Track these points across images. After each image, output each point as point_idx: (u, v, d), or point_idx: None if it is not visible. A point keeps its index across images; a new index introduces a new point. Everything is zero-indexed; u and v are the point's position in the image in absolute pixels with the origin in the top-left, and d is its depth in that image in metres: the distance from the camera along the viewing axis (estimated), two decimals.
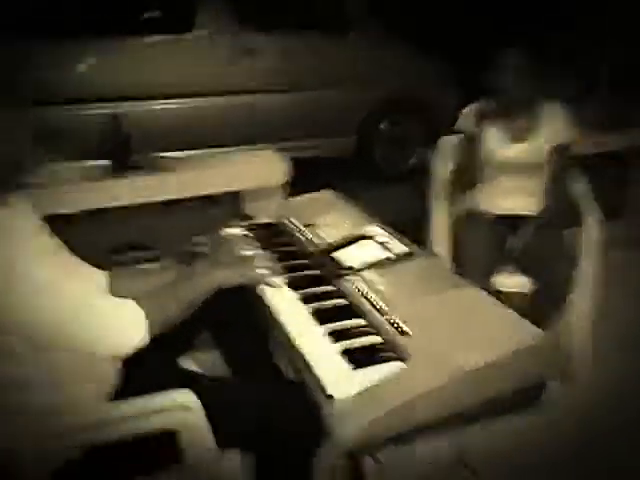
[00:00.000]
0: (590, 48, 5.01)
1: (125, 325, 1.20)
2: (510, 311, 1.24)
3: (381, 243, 1.61)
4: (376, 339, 1.25)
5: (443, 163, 2.65)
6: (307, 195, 2.09)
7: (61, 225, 2.67)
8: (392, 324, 1.24)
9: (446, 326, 1.20)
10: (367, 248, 1.60)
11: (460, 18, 6.09)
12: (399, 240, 1.62)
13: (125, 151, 2.71)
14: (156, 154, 2.82)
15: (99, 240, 2.71)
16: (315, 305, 1.40)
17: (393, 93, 4.73)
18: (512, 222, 2.39)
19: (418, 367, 1.12)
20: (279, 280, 1.49)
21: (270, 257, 1.57)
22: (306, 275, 1.57)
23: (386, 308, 1.30)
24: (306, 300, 1.43)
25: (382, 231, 1.68)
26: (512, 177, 2.38)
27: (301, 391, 1.21)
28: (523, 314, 2.27)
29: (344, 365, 1.17)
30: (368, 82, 4.57)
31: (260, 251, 1.66)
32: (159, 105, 4.13)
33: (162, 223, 2.81)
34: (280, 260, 1.62)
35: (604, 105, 3.79)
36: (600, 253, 2.23)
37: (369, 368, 1.15)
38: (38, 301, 1.12)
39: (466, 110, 2.41)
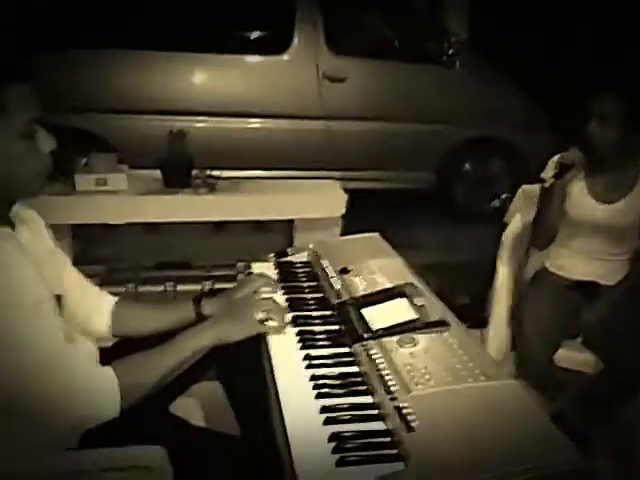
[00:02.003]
0: None
1: (95, 398, 1.11)
2: (549, 424, 0.98)
3: (415, 305, 1.39)
4: (377, 427, 1.04)
5: (519, 213, 2.40)
6: (351, 237, 1.90)
7: (107, 235, 2.67)
8: (400, 412, 1.02)
9: (460, 430, 0.97)
10: (398, 309, 1.39)
11: (560, 61, 5.72)
12: (436, 304, 1.39)
13: (185, 167, 2.66)
14: (217, 173, 2.74)
15: (144, 254, 2.66)
16: (319, 372, 1.21)
17: (483, 131, 4.46)
18: (588, 291, 2.09)
19: (414, 474, 0.90)
20: (289, 333, 1.34)
21: (287, 305, 1.44)
22: (321, 331, 1.38)
23: (397, 389, 1.08)
24: (311, 364, 1.24)
25: (421, 290, 1.46)
26: (596, 240, 2.08)
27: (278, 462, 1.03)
28: (584, 398, 2.01)
29: (328, 457, 0.96)
30: (458, 117, 4.34)
31: (280, 296, 1.51)
32: (234, 124, 4.10)
33: (210, 245, 2.72)
34: (298, 309, 1.46)
35: None
36: None
37: (358, 467, 0.94)
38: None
39: (553, 159, 2.13)
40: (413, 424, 0.98)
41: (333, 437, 1.00)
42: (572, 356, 1.94)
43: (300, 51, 4.15)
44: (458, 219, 4.50)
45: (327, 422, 1.05)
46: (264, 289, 1.51)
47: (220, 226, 2.72)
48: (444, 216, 4.57)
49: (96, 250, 2.58)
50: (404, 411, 1.02)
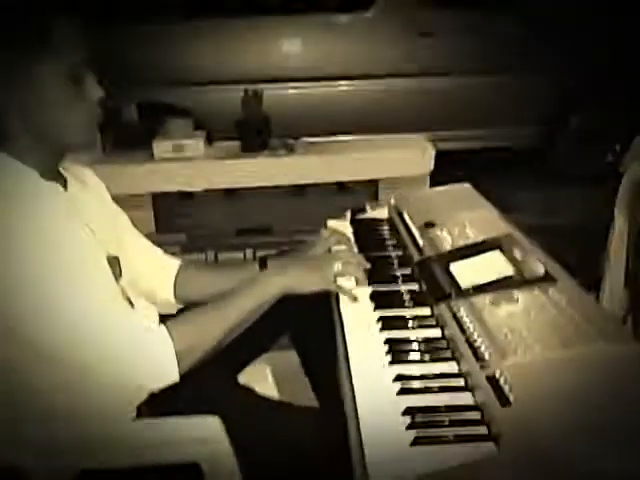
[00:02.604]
0: None
1: (151, 362, 1.01)
2: None
3: (513, 259, 1.17)
4: (463, 400, 0.85)
5: (637, 164, 2.07)
6: (436, 189, 1.69)
7: (186, 203, 2.61)
8: (492, 383, 0.83)
9: (571, 406, 0.76)
10: (492, 264, 1.18)
11: None
12: (539, 258, 1.16)
13: (261, 128, 2.54)
14: (300, 139, 2.61)
15: (226, 221, 2.58)
16: (395, 334, 1.04)
17: (588, 78, 3.99)
18: None
19: (507, 458, 0.71)
20: (362, 292, 1.17)
21: (362, 261, 1.26)
22: (399, 290, 1.20)
23: (490, 356, 0.89)
24: (386, 325, 1.07)
25: (520, 243, 1.23)
26: None
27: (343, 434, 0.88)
28: None
29: (401, 434, 0.79)
30: (559, 66, 3.92)
31: (353, 252, 1.34)
32: (321, 87, 3.93)
33: (291, 209, 2.60)
34: (374, 267, 1.28)
35: None
36: None
37: (437, 447, 0.76)
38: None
39: None
40: (509, 397, 0.79)
41: (408, 411, 0.83)
42: None
43: (386, 6, 3.89)
44: (562, 179, 4.09)
45: (402, 392, 0.88)
46: (337, 247, 1.34)
47: (301, 189, 2.58)
48: (547, 176, 4.17)
49: (176, 219, 2.53)
50: (499, 382, 0.82)
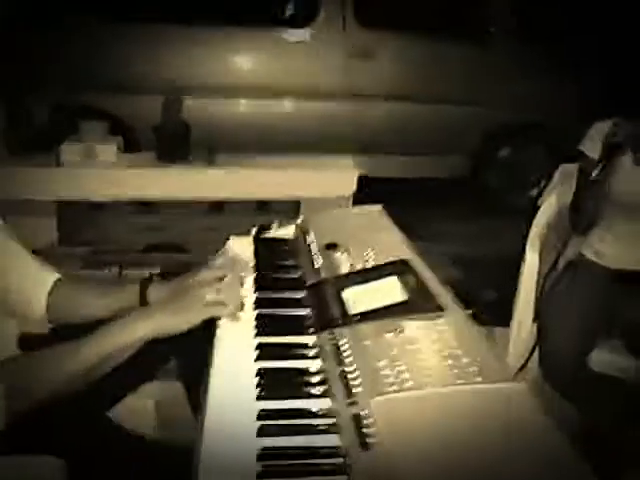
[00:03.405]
0: None
1: None
2: (564, 444, 0.69)
3: (408, 285, 1.10)
4: (326, 442, 0.76)
5: (555, 194, 2.08)
6: (347, 209, 1.63)
7: (93, 214, 2.46)
8: (357, 422, 0.75)
9: (438, 449, 0.69)
10: (386, 290, 1.11)
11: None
12: (434, 286, 1.10)
13: (181, 138, 2.43)
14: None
15: (135, 235, 2.44)
16: (270, 364, 0.94)
17: (523, 115, 4.08)
18: (633, 284, 1.75)
19: None
20: (246, 318, 1.07)
21: (255, 286, 1.20)
22: (286, 316, 1.11)
23: (360, 391, 0.80)
24: (263, 354, 0.98)
25: (418, 269, 1.17)
26: None
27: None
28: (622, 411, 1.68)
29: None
30: (495, 100, 3.98)
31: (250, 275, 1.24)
32: (252, 105, 3.84)
33: (208, 226, 2.48)
34: (265, 289, 1.19)
35: None
36: None
37: None
38: None
39: (594, 129, 1.81)
40: (371, 440, 0.71)
41: (263, 456, 0.73)
42: (609, 359, 1.62)
43: (324, 25, 3.86)
44: (491, 210, 4.14)
45: (261, 433, 0.78)
46: (227, 271, 1.24)
47: (219, 206, 2.47)
48: (476, 206, 4.22)
49: (81, 230, 2.37)
50: (363, 421, 0.74)
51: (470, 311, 1.07)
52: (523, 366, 1.74)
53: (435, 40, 3.97)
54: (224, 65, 3.78)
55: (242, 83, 3.78)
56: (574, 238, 1.94)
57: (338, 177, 2.43)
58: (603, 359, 1.62)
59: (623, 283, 1.76)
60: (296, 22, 3.87)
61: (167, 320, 1.04)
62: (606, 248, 1.81)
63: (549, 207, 2.06)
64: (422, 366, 0.84)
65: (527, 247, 1.97)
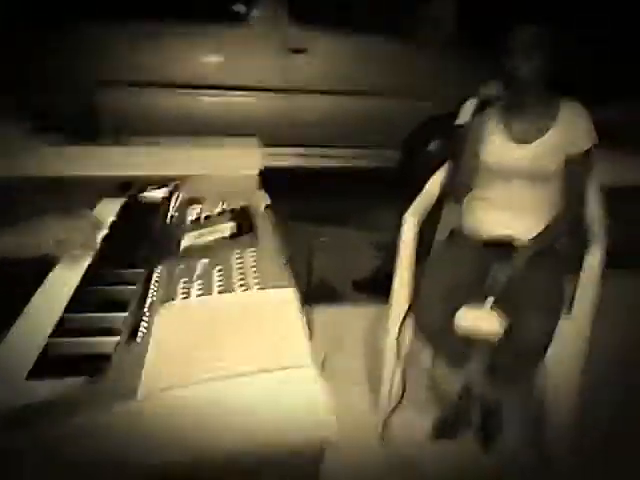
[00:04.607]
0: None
1: None
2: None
3: (237, 224, 1.20)
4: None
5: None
6: (223, 176, 1.71)
7: None
8: (135, 325, 0.82)
9: (195, 341, 0.76)
10: (218, 231, 1.20)
11: None
12: (262, 226, 1.19)
13: (89, 119, 2.47)
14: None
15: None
16: (88, 289, 1.02)
17: (449, 109, 4.20)
18: (502, 249, 1.86)
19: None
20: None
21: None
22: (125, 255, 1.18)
23: (154, 302, 0.88)
24: (88, 281, 1.04)
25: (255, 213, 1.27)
26: (514, 189, 1.86)
27: None
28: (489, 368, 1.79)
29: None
30: (424, 94, 4.13)
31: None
32: (190, 97, 3.90)
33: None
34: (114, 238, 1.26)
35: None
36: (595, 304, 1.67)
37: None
38: None
39: (470, 100, 1.91)
40: (138, 336, 0.78)
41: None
42: (472, 318, 1.71)
43: (259, 19, 3.94)
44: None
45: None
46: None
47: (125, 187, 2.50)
48: (406, 197, 4.33)
49: None
50: (141, 324, 0.82)
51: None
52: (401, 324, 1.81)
53: (363, 36, 4.08)
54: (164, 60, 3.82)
55: (183, 78, 3.85)
56: (453, 208, 2.06)
57: (242, 154, 2.50)
58: (465, 317, 1.71)
59: (493, 250, 1.86)
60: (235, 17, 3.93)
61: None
62: (478, 215, 1.91)
63: (438, 176, 2.17)
64: (218, 284, 0.92)
65: (405, 216, 2.03)
